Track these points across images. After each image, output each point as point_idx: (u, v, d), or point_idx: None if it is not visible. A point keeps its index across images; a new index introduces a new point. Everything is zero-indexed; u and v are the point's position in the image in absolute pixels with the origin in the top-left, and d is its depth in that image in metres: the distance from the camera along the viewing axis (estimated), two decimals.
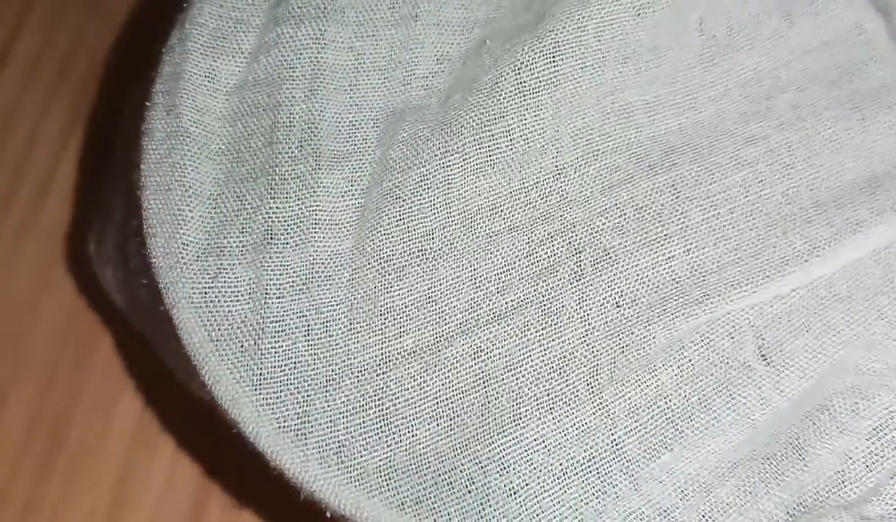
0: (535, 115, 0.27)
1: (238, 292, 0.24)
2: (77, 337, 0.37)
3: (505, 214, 0.27)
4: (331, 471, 0.23)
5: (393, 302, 0.25)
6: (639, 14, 0.27)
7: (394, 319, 0.25)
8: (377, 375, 0.24)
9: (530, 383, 0.24)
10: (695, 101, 0.29)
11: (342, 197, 0.26)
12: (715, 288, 0.25)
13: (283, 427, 0.23)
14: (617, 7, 0.27)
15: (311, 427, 0.23)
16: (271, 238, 0.25)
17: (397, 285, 0.25)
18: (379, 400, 0.24)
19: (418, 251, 0.26)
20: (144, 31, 0.28)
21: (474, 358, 0.24)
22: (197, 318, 0.24)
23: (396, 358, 0.24)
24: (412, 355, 0.24)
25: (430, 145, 0.26)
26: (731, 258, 0.26)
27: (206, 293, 0.24)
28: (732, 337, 0.25)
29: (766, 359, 0.25)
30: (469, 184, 0.26)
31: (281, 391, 0.24)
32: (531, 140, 0.27)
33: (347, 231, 0.25)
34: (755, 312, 0.25)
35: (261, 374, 0.24)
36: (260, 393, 0.23)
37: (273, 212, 0.25)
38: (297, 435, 0.23)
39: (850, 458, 0.25)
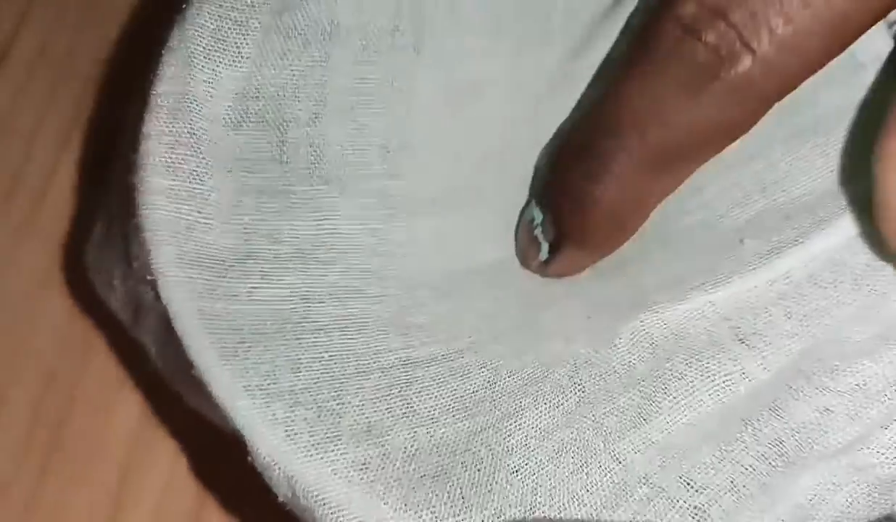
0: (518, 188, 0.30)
1: (281, 295, 0.26)
2: (77, 337, 0.37)
3: (501, 268, 0.30)
4: (361, 448, 0.24)
5: (415, 320, 0.27)
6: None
7: (416, 333, 0.27)
8: (402, 372, 0.26)
9: (527, 384, 0.26)
10: None
11: (358, 221, 0.28)
12: (673, 291, 0.28)
13: (322, 409, 0.25)
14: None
15: (344, 408, 0.25)
16: (302, 253, 0.27)
17: (417, 309, 0.27)
18: (403, 391, 0.26)
19: (430, 286, 0.28)
20: (145, 31, 0.28)
21: (480, 368, 0.27)
22: (234, 321, 0.25)
23: (417, 362, 0.26)
24: (431, 361, 0.26)
25: (428, 207, 0.29)
26: (691, 270, 0.28)
27: (251, 293, 0.26)
28: (706, 330, 0.27)
29: (744, 343, 0.27)
30: (469, 251, 0.30)
31: (317, 379, 0.25)
32: (514, 205, 0.30)
33: (370, 252, 0.28)
34: (727, 304, 0.27)
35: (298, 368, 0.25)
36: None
37: (298, 230, 0.27)
38: (332, 413, 0.25)
39: (830, 411, 0.25)
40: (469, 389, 0.26)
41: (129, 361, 0.36)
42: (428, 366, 0.26)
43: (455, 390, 0.26)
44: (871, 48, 0.29)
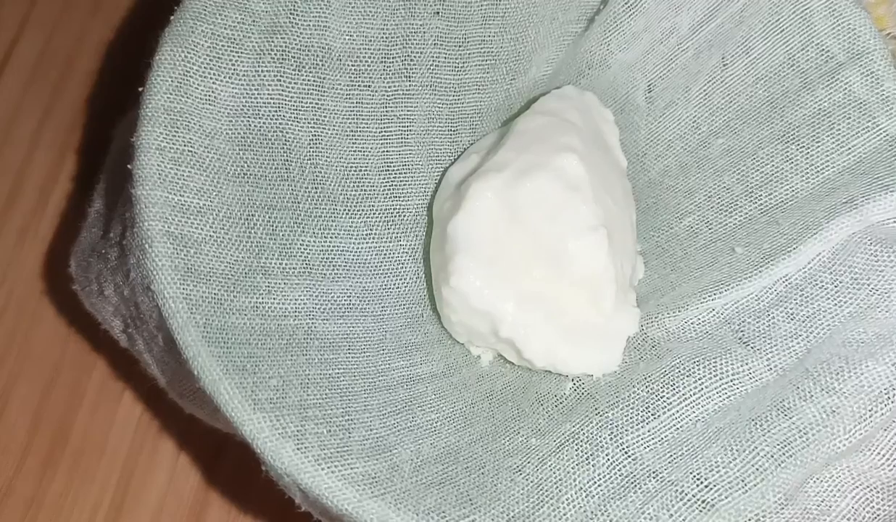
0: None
1: (285, 311, 0.26)
2: (79, 337, 0.37)
3: None
4: (370, 462, 0.25)
5: (416, 339, 0.28)
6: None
7: (416, 351, 0.28)
8: (406, 389, 0.27)
9: (524, 392, 0.28)
10: (644, 163, 0.32)
11: (364, 239, 0.29)
12: (669, 299, 0.29)
13: (331, 424, 0.25)
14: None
15: (353, 424, 0.25)
16: (310, 269, 0.27)
17: (419, 328, 0.29)
18: (408, 406, 0.27)
19: (431, 305, 0.29)
20: (145, 40, 0.27)
21: (479, 382, 0.28)
22: (249, 326, 0.25)
23: (420, 378, 0.28)
24: (431, 377, 0.28)
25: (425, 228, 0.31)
26: (687, 280, 0.29)
27: (256, 307, 0.26)
28: (708, 334, 0.28)
29: (748, 345, 0.27)
30: None
31: (326, 395, 0.26)
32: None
33: (373, 270, 0.29)
34: (727, 310, 0.28)
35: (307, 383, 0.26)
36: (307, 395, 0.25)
37: (306, 246, 0.27)
38: (342, 428, 0.25)
39: (837, 413, 0.25)
40: (469, 401, 0.28)
41: (131, 363, 0.36)
42: (430, 382, 0.28)
43: (455, 402, 0.27)
44: (849, 47, 0.30)
